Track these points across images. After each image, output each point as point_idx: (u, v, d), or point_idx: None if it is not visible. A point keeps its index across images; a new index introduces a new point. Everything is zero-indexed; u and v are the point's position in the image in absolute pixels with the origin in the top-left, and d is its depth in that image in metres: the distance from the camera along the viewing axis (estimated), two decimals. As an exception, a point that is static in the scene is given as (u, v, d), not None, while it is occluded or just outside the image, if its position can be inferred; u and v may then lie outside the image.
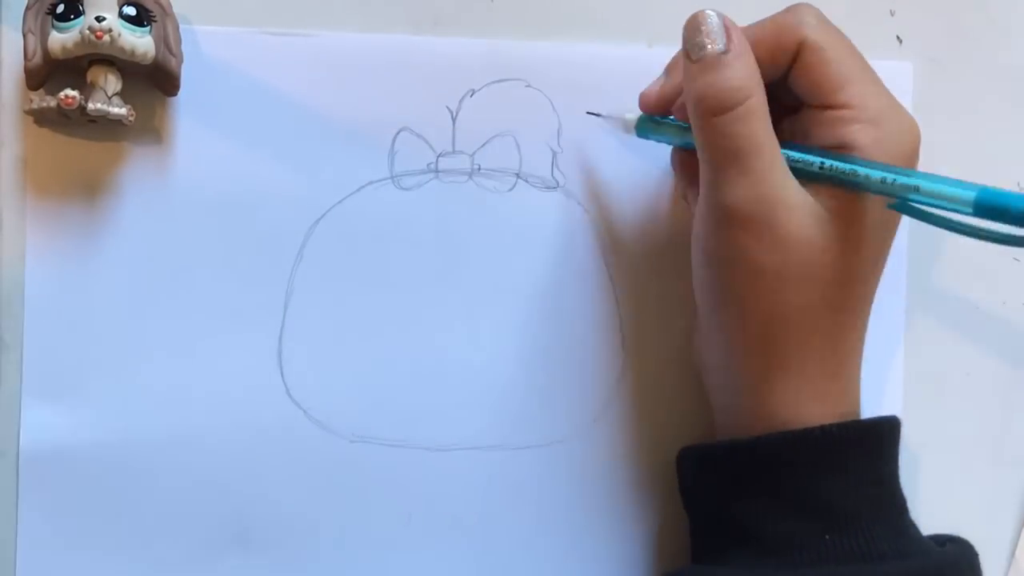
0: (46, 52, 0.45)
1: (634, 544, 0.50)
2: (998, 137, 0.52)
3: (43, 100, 0.46)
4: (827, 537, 0.41)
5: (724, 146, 0.42)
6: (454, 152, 0.50)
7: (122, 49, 0.45)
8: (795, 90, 0.44)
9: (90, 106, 0.45)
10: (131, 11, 0.46)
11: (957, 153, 0.52)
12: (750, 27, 0.44)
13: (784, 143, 0.43)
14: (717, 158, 0.42)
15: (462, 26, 0.50)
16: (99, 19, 0.45)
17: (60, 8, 0.46)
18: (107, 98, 0.46)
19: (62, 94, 0.45)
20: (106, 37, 0.45)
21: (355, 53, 0.50)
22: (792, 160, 0.42)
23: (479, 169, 0.50)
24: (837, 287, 0.42)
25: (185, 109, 0.49)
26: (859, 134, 0.42)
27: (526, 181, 0.50)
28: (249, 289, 0.49)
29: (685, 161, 0.48)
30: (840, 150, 0.42)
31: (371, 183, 0.50)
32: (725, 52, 0.42)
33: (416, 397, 0.49)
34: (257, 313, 0.49)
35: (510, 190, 0.50)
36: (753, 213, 0.41)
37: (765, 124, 0.42)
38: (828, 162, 0.42)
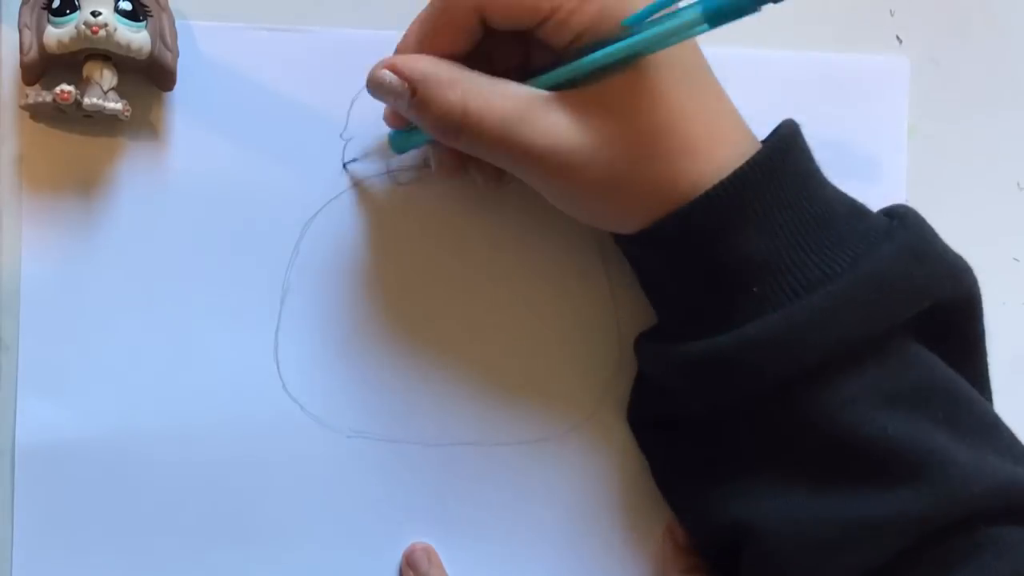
0: (42, 47, 0.45)
1: (630, 539, 0.50)
2: (997, 137, 0.52)
3: (39, 95, 0.46)
4: (755, 290, 0.42)
5: (486, 145, 0.43)
6: (450, 147, 0.50)
7: (118, 44, 0.45)
8: (506, 29, 0.44)
9: (86, 101, 0.45)
10: (127, 6, 0.46)
11: (956, 153, 0.52)
12: (422, 20, 0.45)
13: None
14: (489, 152, 0.44)
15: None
16: (95, 14, 0.45)
17: (56, 3, 0.45)
18: (103, 93, 0.46)
19: (58, 89, 0.45)
20: (102, 32, 0.44)
21: (350, 48, 0.50)
22: (545, 83, 0.43)
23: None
24: (659, 144, 0.43)
25: (180, 104, 0.49)
26: (583, 18, 0.42)
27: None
28: (245, 284, 0.49)
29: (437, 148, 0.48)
30: (578, 40, 0.42)
31: (367, 178, 0.50)
32: (414, 96, 0.43)
33: (412, 392, 0.49)
34: (253, 308, 0.49)
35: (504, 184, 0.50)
36: (546, 164, 0.43)
37: (498, 101, 0.43)
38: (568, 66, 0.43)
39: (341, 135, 0.49)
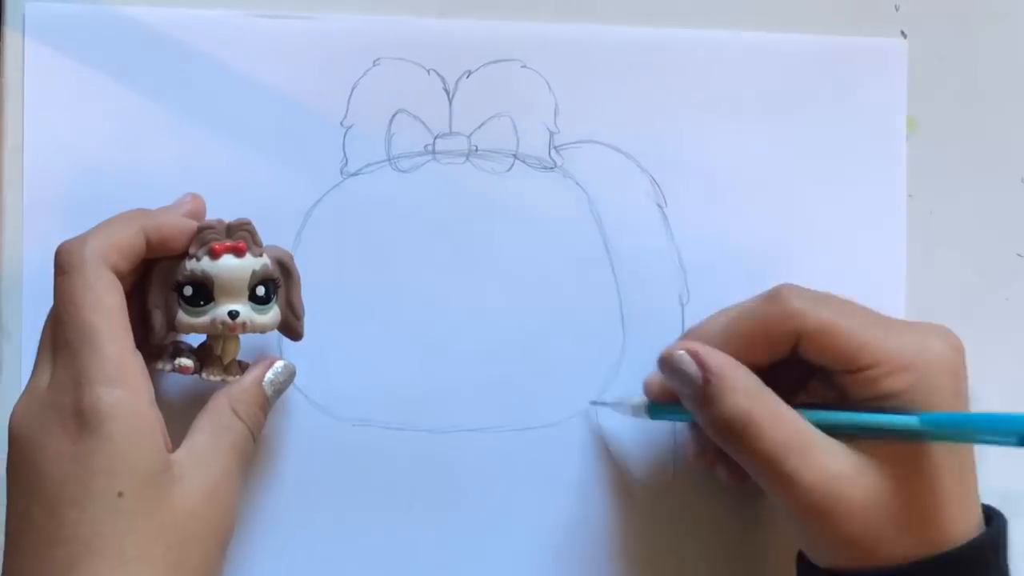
0: (172, 328, 0.45)
1: (632, 523, 0.50)
2: (1001, 131, 0.52)
3: (164, 365, 0.45)
4: None
5: (755, 462, 0.43)
6: (451, 133, 0.50)
7: (251, 330, 0.45)
8: (815, 364, 0.44)
9: (204, 375, 0.45)
10: (261, 290, 0.45)
11: (961, 148, 0.52)
12: (736, 322, 0.45)
13: (815, 407, 0.43)
14: (756, 471, 0.43)
15: (464, 10, 0.50)
16: (233, 314, 0.44)
17: (188, 291, 0.44)
18: (223, 367, 0.46)
19: (178, 362, 0.45)
20: (239, 329, 0.44)
21: (350, 36, 0.49)
22: (828, 423, 0.43)
23: (476, 150, 0.50)
24: (919, 514, 0.42)
25: (180, 94, 0.49)
26: (894, 384, 0.42)
27: (523, 162, 0.50)
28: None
29: (698, 437, 0.48)
30: (883, 399, 0.42)
31: (368, 165, 0.50)
32: (707, 385, 0.43)
33: (416, 380, 0.49)
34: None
35: (507, 171, 0.50)
36: (811, 506, 0.42)
37: (781, 425, 0.42)
38: (861, 417, 0.42)
39: (342, 123, 0.49)
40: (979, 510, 0.44)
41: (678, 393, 0.44)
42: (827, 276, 0.50)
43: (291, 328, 0.46)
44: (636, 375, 0.50)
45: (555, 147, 0.50)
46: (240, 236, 0.45)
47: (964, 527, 0.43)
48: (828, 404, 0.44)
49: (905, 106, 0.52)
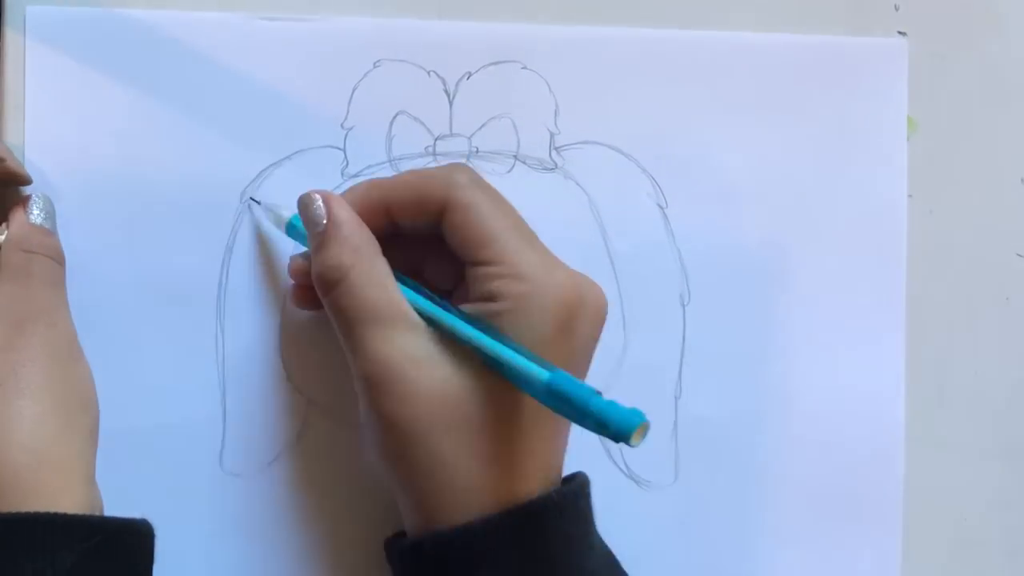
0: None
1: (632, 524, 0.50)
2: (1000, 132, 0.52)
3: None
4: None
5: (338, 320, 0.43)
6: (452, 135, 0.50)
7: None
8: (450, 247, 0.44)
9: None
10: None
11: (959, 148, 0.52)
12: (397, 179, 0.45)
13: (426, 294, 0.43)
14: (338, 330, 0.44)
15: (463, 11, 0.50)
16: None
17: None
18: None
19: None
20: None
21: (350, 37, 0.50)
22: (425, 313, 0.43)
23: (477, 151, 0.50)
24: (491, 441, 0.42)
25: (181, 97, 0.49)
26: (503, 288, 0.42)
27: (524, 163, 0.50)
28: (248, 275, 0.49)
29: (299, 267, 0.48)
30: (487, 301, 0.42)
31: (369, 167, 0.50)
32: (322, 232, 0.44)
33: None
34: (257, 299, 0.49)
35: (508, 172, 0.50)
36: (369, 374, 0.42)
37: (375, 291, 0.43)
38: (449, 318, 0.42)
39: (342, 124, 0.49)
40: (553, 470, 0.44)
41: (307, 233, 0.45)
42: (827, 275, 0.50)
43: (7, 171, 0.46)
44: (637, 375, 0.50)
45: (556, 148, 0.50)
46: None
47: (538, 480, 0.43)
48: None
49: (906, 106, 0.52)
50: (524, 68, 0.50)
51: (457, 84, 0.50)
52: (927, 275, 0.52)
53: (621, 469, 0.50)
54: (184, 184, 0.48)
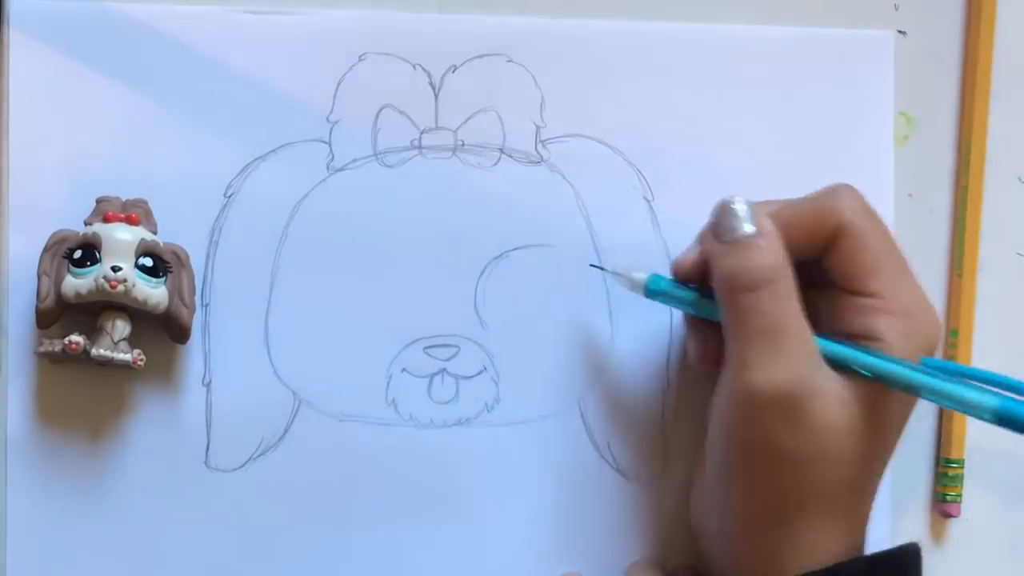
0: (59, 296, 0.45)
1: (620, 515, 0.50)
2: (1000, 131, 0.52)
3: (51, 344, 0.46)
4: None
5: (755, 324, 0.42)
6: (437, 128, 0.50)
7: (135, 299, 0.45)
8: (828, 271, 0.44)
9: (94, 352, 0.45)
10: (148, 262, 0.46)
11: (958, 148, 0.52)
12: (789, 205, 0.45)
13: (816, 332, 0.43)
14: (747, 335, 0.42)
15: (460, 5, 0.51)
16: (115, 269, 0.45)
17: (78, 254, 0.46)
18: (113, 344, 0.46)
19: (67, 339, 0.45)
20: (120, 287, 0.45)
21: (335, 30, 0.50)
22: (823, 348, 0.42)
23: (462, 145, 0.50)
24: (856, 469, 0.42)
25: (165, 90, 0.49)
26: (887, 326, 0.42)
27: (510, 156, 0.50)
28: (233, 269, 0.49)
29: (698, 328, 0.47)
30: (866, 338, 0.42)
31: (355, 160, 0.50)
32: (756, 235, 0.43)
33: (403, 374, 0.49)
34: (242, 293, 0.49)
35: (494, 165, 0.50)
36: (783, 396, 0.41)
37: (796, 307, 0.42)
38: (858, 356, 0.42)
39: (328, 118, 0.49)
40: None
41: (712, 236, 0.44)
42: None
43: (178, 319, 0.47)
44: (624, 368, 0.50)
45: (542, 141, 0.50)
46: (134, 211, 0.46)
47: (869, 508, 0.44)
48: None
49: (893, 97, 0.52)
50: (510, 61, 0.50)
51: (443, 77, 0.50)
52: (927, 275, 0.52)
53: (608, 462, 0.50)
54: (168, 177, 0.48)
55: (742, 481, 0.43)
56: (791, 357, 0.41)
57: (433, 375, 0.49)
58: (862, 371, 0.42)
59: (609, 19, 0.51)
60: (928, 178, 0.52)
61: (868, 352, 0.42)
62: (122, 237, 0.46)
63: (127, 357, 0.46)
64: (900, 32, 0.52)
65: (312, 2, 0.50)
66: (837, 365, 0.42)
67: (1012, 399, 0.40)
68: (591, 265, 0.49)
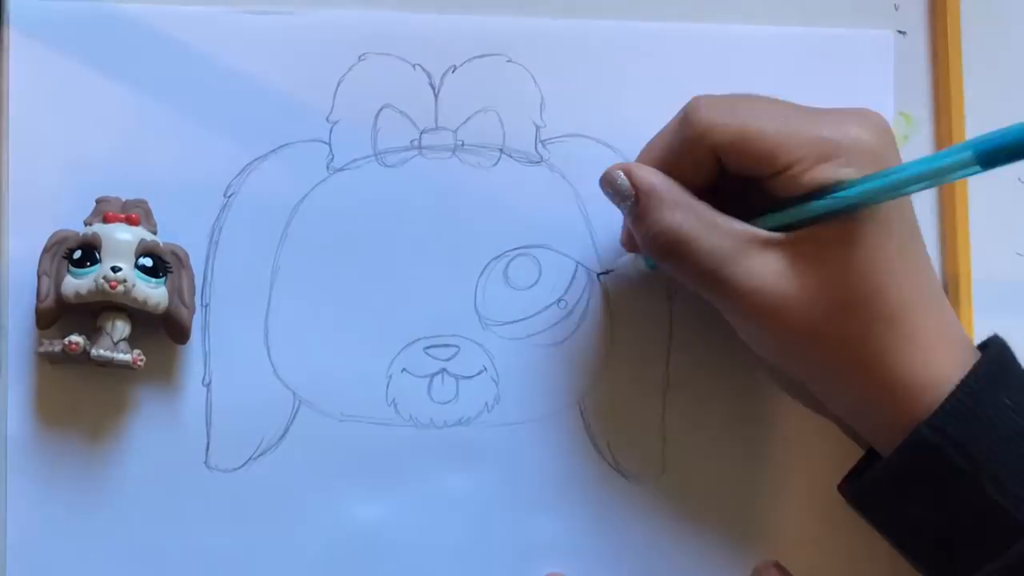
0: (59, 296, 0.45)
1: (621, 516, 0.50)
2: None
3: (51, 344, 0.46)
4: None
5: (692, 275, 0.44)
6: (437, 128, 0.50)
7: (135, 299, 0.45)
8: (741, 175, 0.44)
9: (93, 352, 0.45)
10: (147, 262, 0.46)
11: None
12: (662, 146, 0.45)
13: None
14: (695, 286, 0.44)
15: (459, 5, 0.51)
16: (115, 269, 0.45)
17: (77, 254, 0.46)
18: (112, 344, 0.46)
19: (67, 340, 0.45)
20: (120, 287, 0.45)
21: (335, 30, 0.50)
22: (771, 224, 0.43)
23: (462, 145, 0.50)
24: (879, 302, 0.42)
25: (165, 90, 0.49)
26: (818, 176, 0.42)
27: (510, 156, 0.50)
28: (233, 269, 0.49)
29: None
30: (812, 195, 0.42)
31: (355, 160, 0.50)
32: (637, 203, 0.44)
33: (403, 374, 0.49)
34: (242, 293, 0.49)
35: (494, 165, 0.50)
36: (754, 307, 0.43)
37: (714, 234, 0.43)
38: (824, 201, 0.42)
39: (328, 118, 0.49)
40: (961, 339, 0.44)
41: (621, 213, 0.46)
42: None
43: (177, 319, 0.47)
44: (624, 368, 0.50)
45: (541, 141, 0.50)
46: (134, 211, 0.47)
47: (953, 346, 0.43)
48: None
49: (892, 98, 0.52)
50: (510, 61, 0.50)
51: (442, 77, 0.50)
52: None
53: (608, 462, 0.50)
54: (168, 178, 0.49)
55: (800, 367, 0.45)
56: (739, 278, 0.43)
57: (433, 375, 0.49)
58: (840, 208, 0.42)
59: (609, 19, 0.51)
60: (928, 178, 0.52)
61: (802, 204, 0.42)
62: (122, 237, 0.46)
63: (127, 357, 0.46)
64: (900, 32, 0.52)
65: (312, 2, 0.50)
66: (800, 225, 0.43)
67: (982, 139, 0.39)
68: (598, 275, 0.50)
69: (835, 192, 0.42)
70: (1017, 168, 0.53)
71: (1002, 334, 0.51)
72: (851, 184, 0.42)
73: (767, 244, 0.43)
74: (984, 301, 0.52)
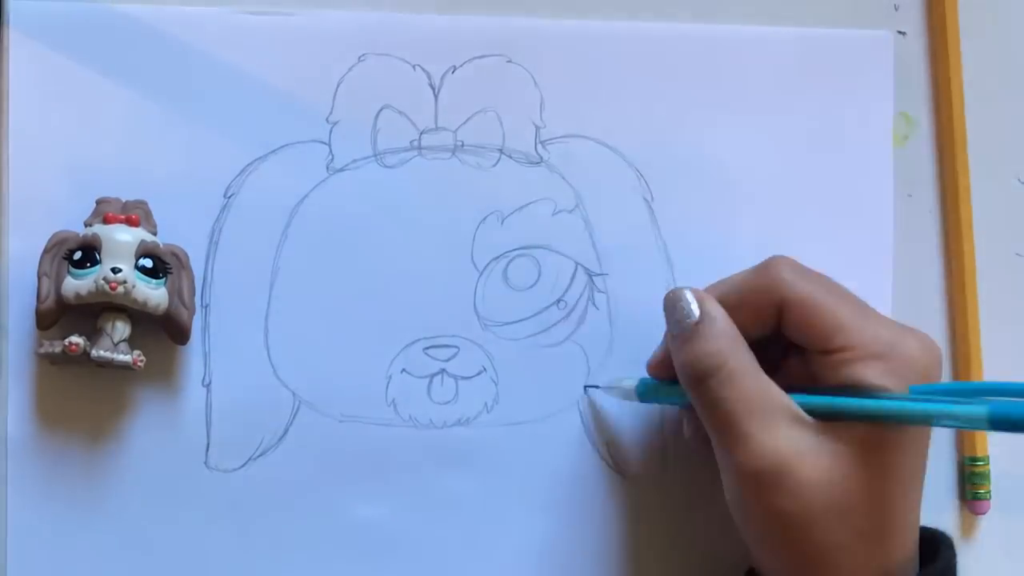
0: (59, 297, 0.46)
1: (622, 515, 0.50)
2: (1000, 131, 0.52)
3: (51, 345, 0.46)
4: None
5: (716, 411, 0.43)
6: (437, 129, 0.50)
7: (135, 300, 0.45)
8: (793, 341, 0.44)
9: (94, 353, 0.45)
10: (148, 263, 0.46)
11: (958, 148, 0.52)
12: (731, 286, 0.45)
13: (795, 388, 0.43)
14: (713, 423, 0.43)
15: (460, 5, 0.51)
16: (115, 270, 0.45)
17: (77, 255, 0.46)
18: (112, 345, 0.46)
19: (67, 340, 0.45)
20: (120, 288, 0.45)
21: (335, 31, 0.50)
22: (806, 404, 0.43)
23: (462, 145, 0.50)
24: (870, 518, 0.42)
25: (165, 90, 0.49)
26: (866, 372, 0.42)
27: (509, 157, 0.50)
28: (233, 270, 0.49)
29: (693, 419, 0.47)
30: (851, 388, 0.42)
31: (354, 161, 0.50)
32: (698, 322, 0.43)
33: (403, 374, 0.49)
34: (242, 294, 0.49)
35: (493, 166, 0.50)
36: (759, 470, 0.42)
37: (754, 383, 0.43)
38: (839, 402, 0.42)
39: (327, 118, 0.49)
40: (915, 540, 0.44)
41: (669, 333, 0.45)
42: (813, 268, 0.50)
43: (177, 320, 0.47)
44: (624, 370, 0.50)
45: (541, 142, 0.50)
46: (135, 212, 0.47)
47: (903, 554, 0.43)
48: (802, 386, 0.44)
49: (892, 98, 0.52)
50: (509, 62, 0.50)
51: (442, 78, 0.50)
52: (927, 276, 0.52)
53: (607, 462, 0.50)
54: (168, 178, 0.49)
55: (760, 544, 0.44)
56: (755, 435, 0.42)
57: (433, 376, 0.49)
58: (849, 417, 0.42)
59: (609, 20, 0.51)
60: (928, 178, 0.52)
61: (849, 396, 0.42)
62: (122, 238, 0.46)
63: (127, 358, 0.46)
64: (900, 32, 0.52)
65: (312, 3, 0.50)
66: (827, 417, 0.42)
67: (1002, 402, 0.39)
68: (586, 388, 0.50)
69: (873, 395, 0.42)
70: (1017, 167, 0.53)
71: (1004, 336, 0.51)
72: (888, 396, 0.41)
73: (796, 419, 0.42)
74: (984, 302, 0.52)
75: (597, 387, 0.50)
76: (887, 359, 0.42)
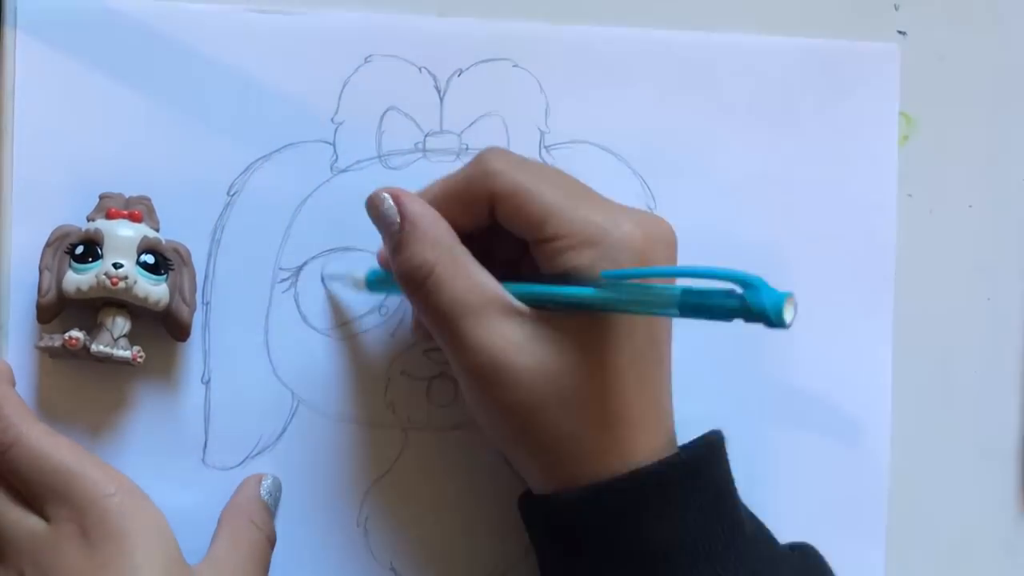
0: (60, 291, 0.46)
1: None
2: (1000, 133, 0.52)
3: (51, 339, 0.46)
4: None
5: (433, 316, 0.43)
6: (442, 132, 0.50)
7: (136, 296, 0.46)
8: (512, 232, 0.44)
9: (93, 347, 0.45)
10: (149, 259, 0.46)
11: (960, 149, 0.52)
12: (443, 183, 0.45)
13: (514, 277, 0.43)
14: (432, 327, 0.44)
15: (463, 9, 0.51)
16: (117, 265, 0.45)
17: (79, 250, 0.46)
18: (112, 340, 0.46)
19: (67, 335, 0.45)
20: (121, 284, 0.45)
21: (341, 31, 0.50)
22: (520, 294, 0.43)
23: (467, 148, 0.50)
24: (599, 406, 0.42)
25: (170, 89, 0.49)
26: (576, 259, 0.42)
27: (514, 161, 0.50)
28: (235, 268, 0.49)
29: (415, 314, 0.48)
30: (567, 275, 0.42)
31: (359, 162, 0.50)
32: (399, 232, 0.43)
33: (401, 376, 0.49)
34: (243, 292, 0.49)
35: (497, 170, 0.50)
36: (478, 365, 0.42)
37: (464, 282, 0.43)
38: (535, 290, 0.42)
39: (332, 119, 0.49)
40: (670, 430, 0.44)
41: (382, 238, 0.45)
42: (816, 276, 0.50)
43: (178, 316, 0.47)
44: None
45: (546, 147, 0.50)
46: (137, 208, 0.47)
47: (652, 443, 0.43)
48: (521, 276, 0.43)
49: (897, 110, 0.52)
50: (515, 66, 0.50)
51: (448, 81, 0.50)
52: (928, 276, 0.52)
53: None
54: (171, 175, 0.49)
55: (499, 439, 0.45)
56: (472, 332, 0.42)
57: (432, 378, 0.49)
58: (555, 306, 0.42)
59: (615, 26, 0.51)
60: (928, 178, 0.52)
61: (562, 285, 0.42)
62: (124, 234, 0.46)
63: (127, 354, 0.46)
64: (900, 32, 0.52)
65: (319, 3, 0.50)
66: (539, 306, 0.42)
67: (693, 288, 0.39)
68: (322, 277, 0.49)
69: (584, 283, 0.41)
70: (1017, 168, 0.53)
71: (1002, 339, 0.51)
72: (598, 281, 0.41)
73: (510, 311, 0.42)
74: (983, 304, 0.52)
75: (332, 276, 0.49)
76: (598, 244, 0.42)
